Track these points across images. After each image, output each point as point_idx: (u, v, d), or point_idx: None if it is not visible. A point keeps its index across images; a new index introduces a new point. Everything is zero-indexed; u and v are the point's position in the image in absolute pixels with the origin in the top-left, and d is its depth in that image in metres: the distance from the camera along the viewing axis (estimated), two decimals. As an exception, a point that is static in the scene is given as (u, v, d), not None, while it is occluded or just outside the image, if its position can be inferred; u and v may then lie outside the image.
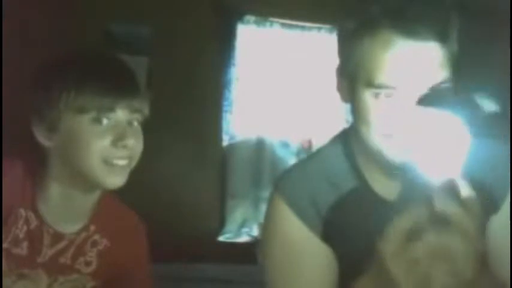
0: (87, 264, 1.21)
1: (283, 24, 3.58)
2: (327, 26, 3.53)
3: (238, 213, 3.54)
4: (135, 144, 1.12)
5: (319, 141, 3.32)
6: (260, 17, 3.53)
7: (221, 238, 3.48)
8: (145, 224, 1.30)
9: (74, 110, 1.08)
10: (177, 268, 2.81)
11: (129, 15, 3.27)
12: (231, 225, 3.52)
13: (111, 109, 1.09)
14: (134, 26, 3.32)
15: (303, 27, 3.60)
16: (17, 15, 2.73)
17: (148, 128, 1.16)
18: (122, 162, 1.11)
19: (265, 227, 1.10)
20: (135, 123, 1.14)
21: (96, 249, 1.22)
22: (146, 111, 1.15)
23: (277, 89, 3.62)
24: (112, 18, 3.26)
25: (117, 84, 1.11)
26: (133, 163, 1.14)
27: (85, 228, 1.21)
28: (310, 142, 3.60)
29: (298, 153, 3.57)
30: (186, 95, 3.38)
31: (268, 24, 3.56)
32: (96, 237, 1.22)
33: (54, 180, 1.16)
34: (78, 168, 1.11)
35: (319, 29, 3.59)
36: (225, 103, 3.50)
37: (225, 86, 3.49)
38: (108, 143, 1.09)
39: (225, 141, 3.54)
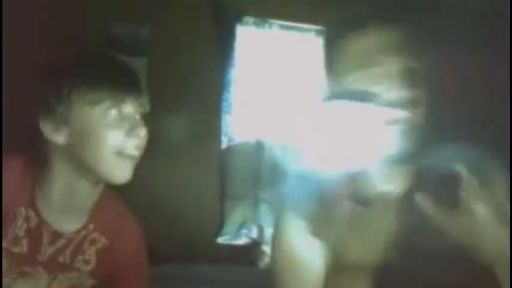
0: (86, 262, 1.21)
1: (282, 26, 3.58)
2: (326, 28, 3.53)
3: (236, 215, 3.53)
4: (145, 135, 1.14)
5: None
6: (259, 19, 3.53)
7: (220, 240, 3.47)
8: (144, 224, 1.31)
9: (86, 102, 1.10)
10: (176, 269, 2.81)
11: (128, 16, 3.27)
12: (230, 226, 3.51)
13: (122, 100, 1.11)
14: (133, 27, 3.32)
15: (302, 29, 3.61)
16: (17, 16, 2.73)
17: (148, 128, 1.16)
18: (134, 152, 1.13)
19: (274, 235, 1.12)
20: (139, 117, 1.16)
21: (95, 248, 1.22)
22: (147, 108, 1.17)
23: (276, 90, 3.62)
24: (111, 19, 3.26)
25: (126, 77, 1.14)
26: (139, 156, 1.15)
27: (84, 226, 1.21)
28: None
29: (297, 155, 3.56)
30: (185, 96, 3.38)
31: (267, 25, 3.56)
32: (95, 235, 1.22)
33: (56, 179, 1.16)
34: (88, 161, 1.11)
35: (318, 30, 3.59)
36: (224, 104, 3.49)
37: (224, 88, 3.48)
38: (123, 133, 1.11)
39: (224, 143, 3.53)
